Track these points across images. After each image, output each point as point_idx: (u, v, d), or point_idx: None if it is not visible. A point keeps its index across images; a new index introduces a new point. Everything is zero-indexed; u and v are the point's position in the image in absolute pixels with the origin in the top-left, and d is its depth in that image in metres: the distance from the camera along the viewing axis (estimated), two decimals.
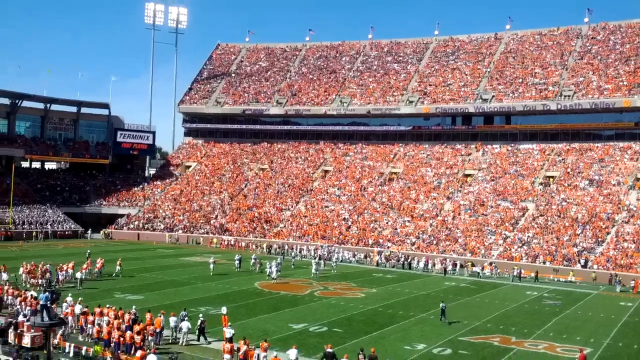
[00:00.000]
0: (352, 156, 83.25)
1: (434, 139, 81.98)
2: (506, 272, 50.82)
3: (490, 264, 53.03)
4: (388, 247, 60.21)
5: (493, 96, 78.38)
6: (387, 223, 65.82)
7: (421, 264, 53.24)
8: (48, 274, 36.53)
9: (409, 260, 55.00)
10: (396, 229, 64.19)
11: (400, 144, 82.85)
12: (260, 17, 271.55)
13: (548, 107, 73.67)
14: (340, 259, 56.65)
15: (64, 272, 36.96)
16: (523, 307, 36.80)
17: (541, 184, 67.06)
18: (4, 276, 35.82)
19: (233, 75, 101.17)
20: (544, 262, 53.17)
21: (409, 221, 65.09)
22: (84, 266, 40.18)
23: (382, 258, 56.46)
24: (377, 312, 33.11)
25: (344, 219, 68.46)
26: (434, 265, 53.11)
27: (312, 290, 39.65)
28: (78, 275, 36.40)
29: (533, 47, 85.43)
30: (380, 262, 55.89)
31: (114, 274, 41.76)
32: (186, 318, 25.40)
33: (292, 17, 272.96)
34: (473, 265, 52.29)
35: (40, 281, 35.66)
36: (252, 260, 48.15)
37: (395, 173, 77.01)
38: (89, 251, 49.24)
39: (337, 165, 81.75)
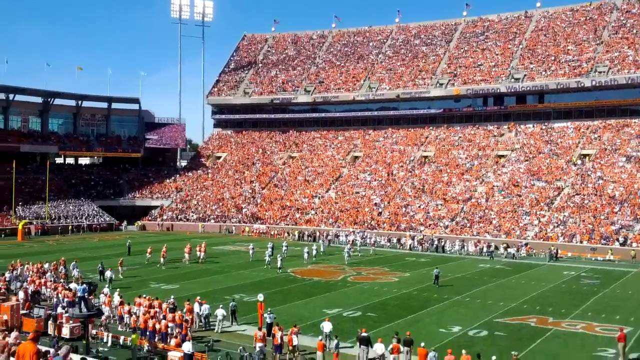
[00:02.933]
0: (381, 141, 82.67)
1: (465, 120, 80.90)
2: (542, 252, 50.02)
3: (526, 244, 52.26)
4: (421, 231, 59.77)
5: (525, 75, 76.85)
6: (419, 207, 65.30)
7: (455, 247, 52.73)
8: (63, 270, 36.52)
9: (442, 243, 54.54)
10: (428, 212, 63.64)
11: (431, 127, 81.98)
12: (285, 6, 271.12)
13: (582, 84, 71.93)
14: (374, 243, 56.43)
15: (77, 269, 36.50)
16: (560, 287, 36.14)
17: (576, 162, 65.68)
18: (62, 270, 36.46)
19: (260, 65, 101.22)
20: (581, 242, 52.16)
21: (441, 204, 64.47)
22: (121, 261, 40.24)
23: (415, 242, 56.10)
24: (411, 296, 32.88)
25: (375, 204, 68.13)
26: (463, 247, 52.63)
27: (345, 275, 39.58)
28: (108, 274, 34.85)
29: (565, 24, 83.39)
30: (413, 246, 55.55)
31: (199, 260, 44.32)
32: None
33: (317, 4, 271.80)
34: (508, 246, 51.57)
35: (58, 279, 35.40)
36: (284, 248, 48.15)
37: (426, 157, 76.27)
38: (129, 241, 50.46)
39: (367, 151, 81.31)
